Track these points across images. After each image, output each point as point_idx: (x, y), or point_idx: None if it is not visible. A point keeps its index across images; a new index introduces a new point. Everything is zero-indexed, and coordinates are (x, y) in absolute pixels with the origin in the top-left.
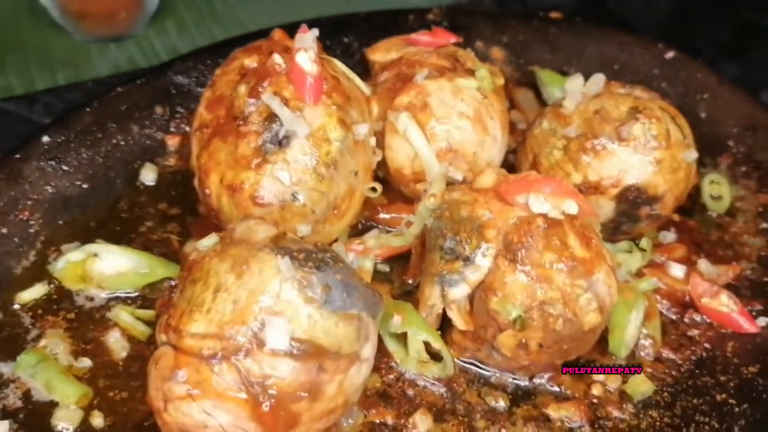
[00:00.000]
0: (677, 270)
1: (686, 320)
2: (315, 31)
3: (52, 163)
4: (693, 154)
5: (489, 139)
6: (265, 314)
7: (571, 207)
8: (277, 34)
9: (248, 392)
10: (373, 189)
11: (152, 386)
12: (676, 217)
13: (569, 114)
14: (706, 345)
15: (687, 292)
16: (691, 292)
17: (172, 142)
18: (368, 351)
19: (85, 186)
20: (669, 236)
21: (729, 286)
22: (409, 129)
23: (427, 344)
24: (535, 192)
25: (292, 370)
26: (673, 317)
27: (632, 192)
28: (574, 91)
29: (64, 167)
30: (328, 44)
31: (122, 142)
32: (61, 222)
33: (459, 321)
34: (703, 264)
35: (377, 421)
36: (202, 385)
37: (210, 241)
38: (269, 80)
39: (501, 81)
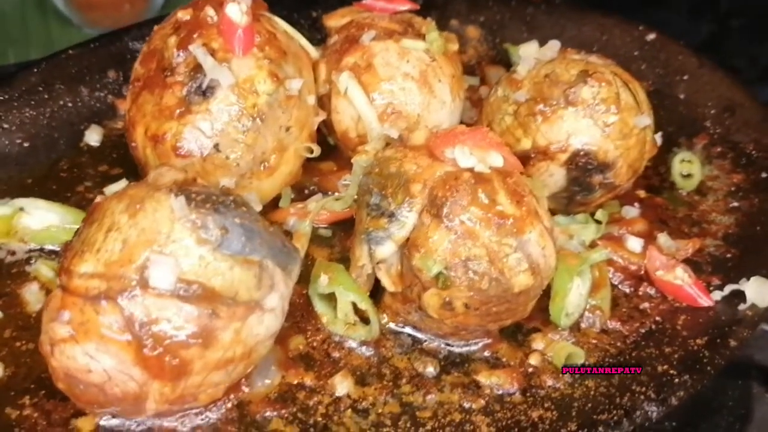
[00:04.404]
0: (634, 243)
1: (640, 293)
2: None
3: None
4: (645, 120)
5: (436, 102)
6: (153, 254)
7: (496, 159)
8: None
9: (132, 335)
10: (310, 149)
11: (42, 330)
12: (642, 194)
13: (521, 79)
14: (657, 318)
15: (643, 266)
16: (647, 265)
17: (123, 105)
18: (273, 301)
19: (25, 144)
20: (632, 212)
21: (691, 262)
22: (350, 88)
23: (356, 308)
24: (460, 144)
25: (181, 313)
26: (627, 290)
27: (582, 157)
28: (527, 57)
29: (5, 125)
30: (296, 18)
31: (70, 104)
32: None
33: (387, 282)
34: (662, 238)
35: (295, 382)
36: (85, 327)
37: (119, 186)
38: (199, 32)
39: (455, 46)
